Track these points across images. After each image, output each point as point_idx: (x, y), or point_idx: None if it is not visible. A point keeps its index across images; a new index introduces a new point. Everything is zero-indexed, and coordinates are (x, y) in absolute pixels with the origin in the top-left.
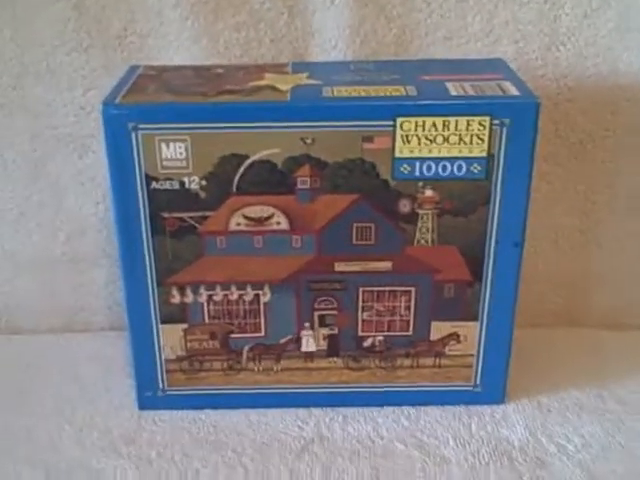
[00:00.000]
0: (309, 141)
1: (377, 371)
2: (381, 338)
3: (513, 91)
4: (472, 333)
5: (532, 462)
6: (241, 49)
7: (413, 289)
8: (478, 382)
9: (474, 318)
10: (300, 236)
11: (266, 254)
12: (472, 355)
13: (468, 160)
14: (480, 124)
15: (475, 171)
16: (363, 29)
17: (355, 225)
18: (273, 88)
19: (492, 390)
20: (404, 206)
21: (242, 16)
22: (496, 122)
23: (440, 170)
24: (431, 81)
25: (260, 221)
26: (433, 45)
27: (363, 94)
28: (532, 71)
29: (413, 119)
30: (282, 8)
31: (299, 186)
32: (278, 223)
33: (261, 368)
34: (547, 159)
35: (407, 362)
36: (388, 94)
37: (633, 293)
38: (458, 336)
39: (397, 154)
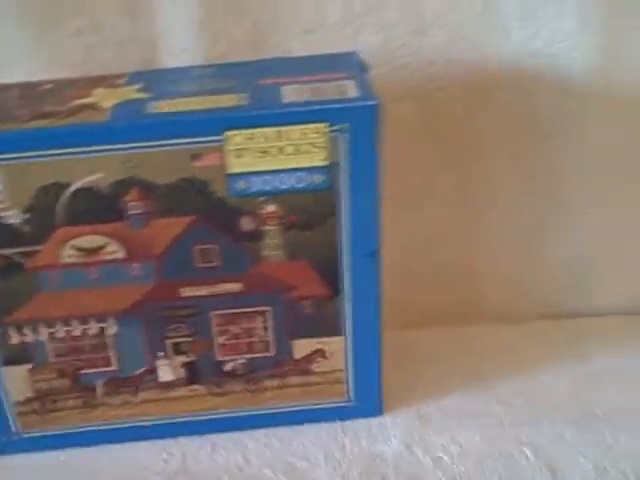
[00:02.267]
0: (131, 164)
1: (243, 395)
2: (243, 361)
3: (352, 92)
4: (338, 348)
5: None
6: (84, 55)
7: (269, 308)
8: (352, 396)
9: (338, 333)
10: (139, 264)
11: (104, 285)
12: (341, 370)
13: (308, 171)
14: (316, 132)
15: (317, 182)
16: (213, 26)
17: (196, 247)
18: (94, 107)
19: (367, 403)
20: (246, 223)
21: (82, 19)
22: (334, 128)
23: (279, 183)
24: (267, 86)
25: (93, 251)
26: (292, 40)
27: (190, 107)
28: (398, 60)
29: (242, 132)
30: (126, 5)
31: (130, 211)
32: (113, 252)
33: (118, 402)
34: (417, 155)
35: (273, 383)
36: (217, 105)
37: (525, 282)
38: (324, 352)
39: (230, 170)
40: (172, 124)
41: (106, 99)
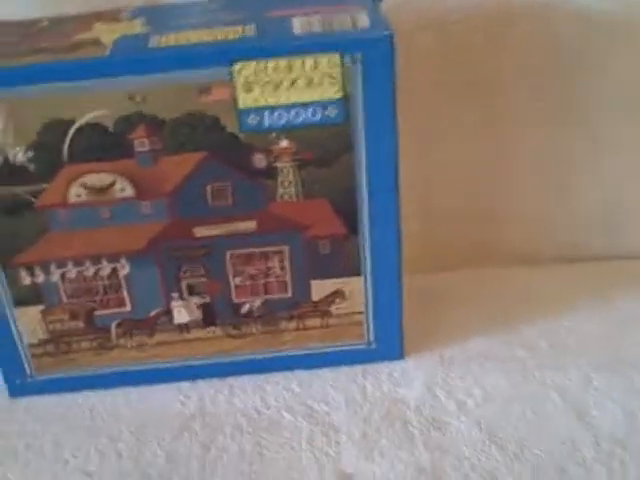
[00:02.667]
0: (138, 99)
1: (260, 337)
2: (259, 303)
3: (365, 23)
4: (357, 288)
5: (427, 423)
6: None
7: (285, 248)
8: (372, 339)
9: (357, 273)
10: (150, 202)
11: (116, 224)
12: (361, 312)
13: (322, 104)
14: (329, 63)
15: (332, 115)
16: None
17: (209, 185)
18: (95, 42)
19: (388, 346)
20: (259, 160)
21: None
22: (347, 59)
23: (292, 117)
24: (276, 18)
25: (102, 190)
26: None
27: (194, 40)
28: None
29: (252, 64)
30: None
31: (138, 149)
32: (122, 190)
33: (134, 344)
34: (439, 88)
35: (291, 325)
36: (223, 38)
37: (550, 224)
38: (343, 293)
39: (240, 105)
40: (177, 56)
41: (107, 34)
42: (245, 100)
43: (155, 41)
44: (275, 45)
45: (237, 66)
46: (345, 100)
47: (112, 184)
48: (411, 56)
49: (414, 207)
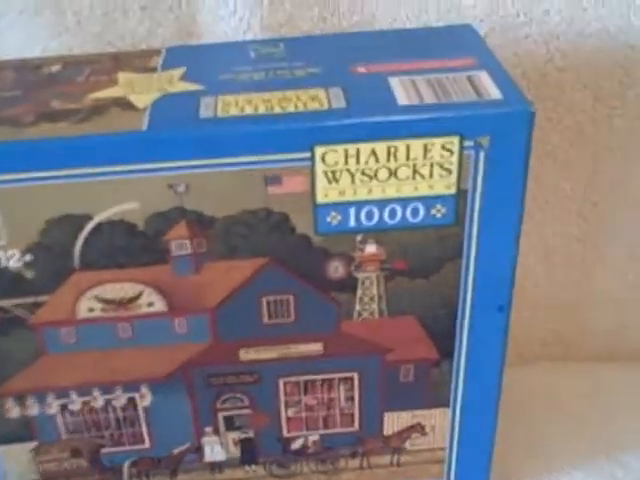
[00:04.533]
0: (181, 188)
1: (314, 477)
2: (316, 438)
3: (492, 91)
4: (441, 422)
5: None
6: (99, 23)
7: (355, 375)
8: (453, 478)
9: (443, 404)
10: (185, 318)
11: (137, 346)
12: (442, 448)
13: (428, 200)
14: (444, 148)
15: (439, 215)
16: None
17: (265, 299)
18: (124, 104)
19: None
20: (335, 270)
21: None
22: (468, 144)
23: (387, 217)
24: (366, 76)
25: (122, 304)
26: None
27: (262, 109)
28: (511, 31)
29: (341, 147)
30: None
31: (175, 253)
32: (150, 304)
33: None
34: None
35: (354, 463)
36: (301, 107)
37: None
38: (422, 427)
39: (320, 199)
40: (239, 135)
41: (140, 91)
42: (327, 193)
43: (209, 107)
44: (373, 123)
45: (321, 150)
46: (459, 197)
47: (137, 297)
48: None
49: None
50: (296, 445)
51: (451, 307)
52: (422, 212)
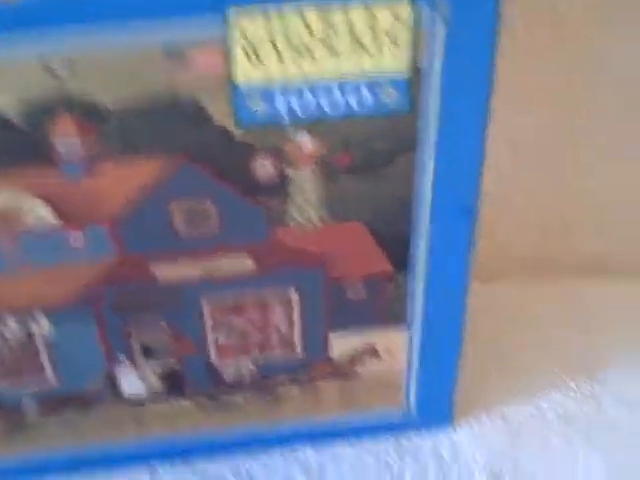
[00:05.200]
0: (61, 71)
1: (251, 408)
2: (252, 367)
3: None
4: (398, 344)
5: None
6: None
7: (293, 292)
8: (412, 406)
9: (400, 323)
10: (81, 231)
11: (26, 264)
12: (400, 372)
13: (375, 82)
14: (394, 16)
15: (389, 100)
16: None
17: (178, 205)
18: None
19: (433, 413)
20: (263, 167)
21: None
22: (424, 12)
23: (325, 103)
24: None
25: (4, 217)
26: None
27: None
28: None
29: (260, 14)
30: None
31: (61, 151)
32: (38, 216)
33: (60, 425)
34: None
35: (298, 391)
36: None
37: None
38: (376, 350)
39: (240, 80)
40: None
41: None
42: (248, 74)
43: None
44: None
45: (235, 16)
46: (413, 77)
47: (19, 208)
48: None
49: None
50: (229, 374)
51: (406, 210)
52: (370, 97)
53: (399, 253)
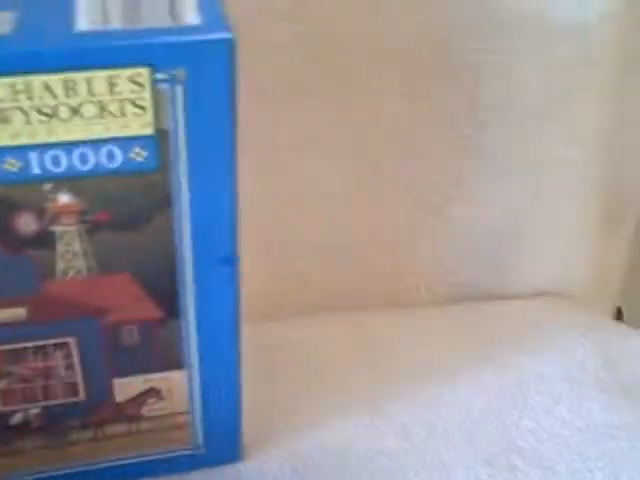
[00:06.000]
0: None
1: (41, 452)
2: (36, 411)
3: (190, 15)
4: (178, 385)
5: None
6: None
7: (71, 340)
8: (200, 442)
9: (177, 366)
10: None
11: None
12: (184, 412)
13: (124, 142)
14: (133, 81)
15: (139, 159)
16: None
17: None
18: None
19: (221, 450)
20: (26, 224)
21: None
22: (162, 76)
23: (78, 162)
24: (53, 2)
25: None
26: None
27: None
28: None
29: (6, 79)
30: None
31: None
32: None
33: None
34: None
35: (87, 435)
36: None
37: None
38: (158, 391)
39: None
40: None
41: None
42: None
43: None
44: (47, 51)
45: None
46: (159, 137)
47: None
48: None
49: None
50: (15, 420)
51: (169, 262)
52: (119, 156)
53: (168, 301)
